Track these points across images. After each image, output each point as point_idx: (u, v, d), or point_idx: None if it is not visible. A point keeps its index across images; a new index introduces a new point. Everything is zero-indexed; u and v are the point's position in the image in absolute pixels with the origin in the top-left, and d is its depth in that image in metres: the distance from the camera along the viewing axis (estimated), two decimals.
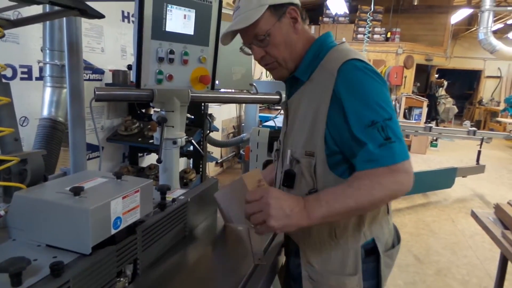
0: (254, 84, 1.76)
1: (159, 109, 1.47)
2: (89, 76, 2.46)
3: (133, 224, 0.95)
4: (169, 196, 1.18)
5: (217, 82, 1.39)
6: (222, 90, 1.87)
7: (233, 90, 1.84)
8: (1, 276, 0.67)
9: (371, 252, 1.00)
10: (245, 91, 1.76)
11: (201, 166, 2.60)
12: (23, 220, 0.84)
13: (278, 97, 1.87)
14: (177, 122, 1.47)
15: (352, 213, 0.91)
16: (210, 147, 3.36)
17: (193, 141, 1.84)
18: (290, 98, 1.04)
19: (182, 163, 3.17)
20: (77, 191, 0.82)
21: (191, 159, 2.72)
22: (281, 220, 0.81)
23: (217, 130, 2.84)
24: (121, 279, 0.91)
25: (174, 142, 1.47)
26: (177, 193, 1.26)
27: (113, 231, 0.85)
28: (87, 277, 0.77)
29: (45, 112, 1.71)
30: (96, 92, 1.37)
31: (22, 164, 0.94)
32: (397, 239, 1.08)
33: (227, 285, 0.97)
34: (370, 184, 0.82)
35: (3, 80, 0.96)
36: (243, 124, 5.39)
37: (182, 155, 2.66)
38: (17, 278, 0.67)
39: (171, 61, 1.25)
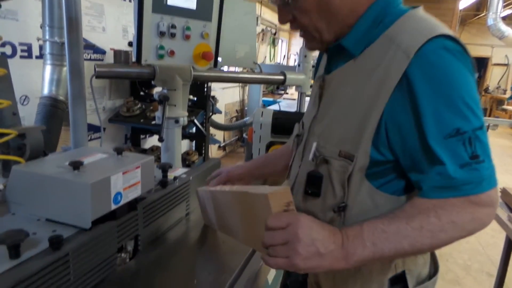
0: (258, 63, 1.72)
1: (161, 89, 1.44)
2: (90, 56, 2.41)
3: (134, 200, 0.93)
4: (171, 175, 1.16)
5: (219, 59, 1.36)
6: (225, 69, 1.84)
7: (236, 69, 1.80)
8: None
9: (398, 284, 0.76)
10: (248, 70, 1.71)
11: (203, 148, 2.58)
12: (22, 194, 0.83)
13: (282, 77, 1.83)
14: (179, 101, 1.45)
15: (402, 256, 0.71)
16: (213, 131, 3.34)
17: (195, 121, 1.81)
18: (330, 74, 0.78)
19: (185, 145, 3.16)
20: (76, 165, 0.81)
21: (194, 141, 2.70)
22: (310, 260, 0.60)
23: (220, 112, 2.81)
24: (122, 254, 0.90)
25: (176, 121, 1.44)
26: (179, 171, 1.24)
27: (114, 206, 0.84)
28: (86, 251, 0.76)
29: (45, 91, 1.68)
30: (97, 69, 1.34)
31: (20, 138, 0.92)
32: (434, 268, 0.81)
33: (229, 264, 0.96)
34: (438, 223, 0.60)
35: None
36: (246, 108, 5.36)
37: (184, 137, 2.64)
38: (15, 250, 0.66)
39: (172, 36, 1.21)
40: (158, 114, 1.43)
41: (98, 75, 1.34)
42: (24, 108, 1.87)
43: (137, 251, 0.96)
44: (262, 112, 1.68)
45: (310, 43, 0.79)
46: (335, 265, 0.62)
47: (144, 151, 2.65)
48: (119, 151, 0.95)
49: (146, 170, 0.93)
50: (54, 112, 1.61)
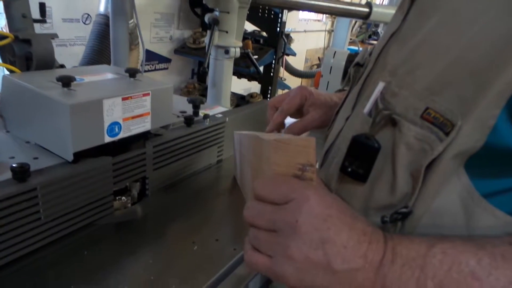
0: None
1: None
2: None
3: (142, 135, 0.76)
4: (204, 112, 0.96)
5: None
6: None
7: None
8: None
9: None
10: None
11: (269, 92, 2.35)
12: (11, 110, 0.70)
13: (367, 10, 1.45)
14: (233, 27, 1.20)
15: None
16: (286, 76, 3.06)
17: (250, 54, 1.56)
18: None
19: (255, 88, 2.95)
20: (66, 81, 0.64)
21: (260, 84, 2.47)
22: (308, 275, 0.34)
23: (294, 54, 2.49)
24: (123, 197, 0.75)
25: (227, 52, 1.21)
26: (216, 110, 1.04)
27: (108, 139, 0.67)
28: (64, 188, 0.61)
29: (101, 8, 1.57)
30: None
31: (27, 46, 0.78)
32: None
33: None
34: None
35: None
36: None
37: (250, 77, 2.42)
38: None
39: None
40: (206, 40, 1.21)
41: None
42: (86, 27, 1.82)
43: (144, 196, 0.80)
44: (335, 53, 1.36)
45: None
46: None
47: None
48: (132, 73, 0.76)
49: (159, 99, 0.74)
50: (108, 31, 1.50)
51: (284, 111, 0.67)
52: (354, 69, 0.54)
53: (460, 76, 0.34)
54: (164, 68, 2.45)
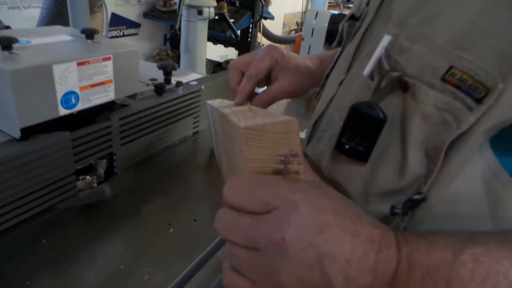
0: None
1: None
2: None
3: (107, 106, 0.67)
4: (177, 79, 0.87)
5: None
6: None
7: None
8: None
9: None
10: None
11: None
12: None
13: None
14: None
15: None
16: (266, 43, 2.93)
17: (225, 15, 1.45)
18: None
19: (232, 54, 2.82)
20: (6, 43, 0.53)
21: (238, 51, 2.35)
22: None
23: (272, 18, 2.37)
24: (87, 177, 0.67)
25: (200, 12, 1.10)
26: (190, 77, 0.95)
27: (64, 111, 0.58)
28: (14, 169, 0.53)
29: None
30: None
31: None
32: None
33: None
34: None
35: None
36: None
37: (228, 43, 2.29)
38: None
39: None
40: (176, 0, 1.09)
41: None
42: None
43: (112, 174, 0.72)
44: (317, 13, 1.27)
45: None
46: None
47: None
48: (88, 34, 0.66)
49: (123, 65, 0.65)
50: None
51: (251, 76, 0.53)
52: (348, 23, 0.44)
53: (500, 23, 0.26)
54: (134, 34, 2.28)
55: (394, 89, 0.32)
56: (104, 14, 1.41)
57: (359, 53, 0.40)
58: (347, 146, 0.34)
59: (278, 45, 0.42)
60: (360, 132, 0.33)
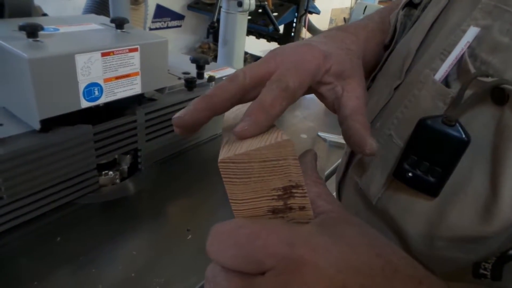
0: None
1: None
2: None
3: (135, 100, 0.64)
4: (210, 74, 0.83)
5: None
6: None
7: None
8: None
9: None
10: None
11: None
12: None
13: None
14: None
15: None
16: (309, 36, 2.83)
17: (266, 7, 1.39)
18: None
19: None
20: (32, 31, 0.51)
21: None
22: None
23: (318, 12, 2.27)
24: (110, 172, 0.65)
25: (239, 4, 1.05)
26: (225, 71, 0.90)
27: (86, 104, 0.55)
28: (33, 162, 0.51)
29: None
30: None
31: None
32: None
33: None
34: None
35: None
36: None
37: (269, 37, 2.23)
38: None
39: None
40: None
41: None
42: None
43: (136, 170, 0.70)
44: (365, 7, 1.16)
45: None
46: None
47: None
48: (118, 23, 0.63)
49: (151, 56, 0.61)
50: None
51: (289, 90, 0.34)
52: (404, 12, 0.36)
53: None
54: (177, 26, 2.28)
55: (483, 100, 0.24)
56: (146, 5, 1.41)
57: (422, 51, 0.31)
58: (410, 174, 0.26)
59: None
60: (431, 157, 0.25)
